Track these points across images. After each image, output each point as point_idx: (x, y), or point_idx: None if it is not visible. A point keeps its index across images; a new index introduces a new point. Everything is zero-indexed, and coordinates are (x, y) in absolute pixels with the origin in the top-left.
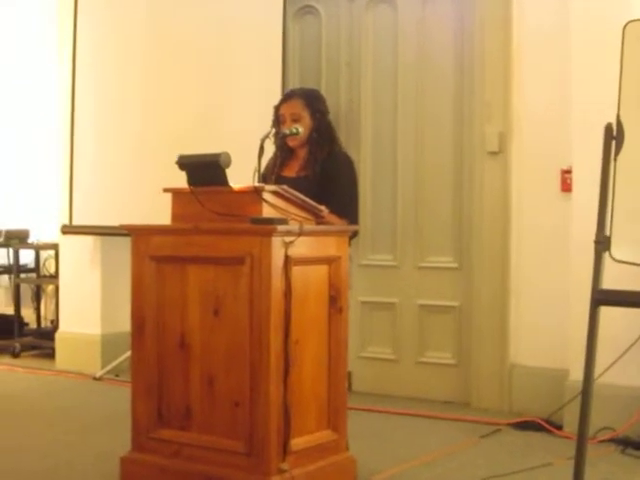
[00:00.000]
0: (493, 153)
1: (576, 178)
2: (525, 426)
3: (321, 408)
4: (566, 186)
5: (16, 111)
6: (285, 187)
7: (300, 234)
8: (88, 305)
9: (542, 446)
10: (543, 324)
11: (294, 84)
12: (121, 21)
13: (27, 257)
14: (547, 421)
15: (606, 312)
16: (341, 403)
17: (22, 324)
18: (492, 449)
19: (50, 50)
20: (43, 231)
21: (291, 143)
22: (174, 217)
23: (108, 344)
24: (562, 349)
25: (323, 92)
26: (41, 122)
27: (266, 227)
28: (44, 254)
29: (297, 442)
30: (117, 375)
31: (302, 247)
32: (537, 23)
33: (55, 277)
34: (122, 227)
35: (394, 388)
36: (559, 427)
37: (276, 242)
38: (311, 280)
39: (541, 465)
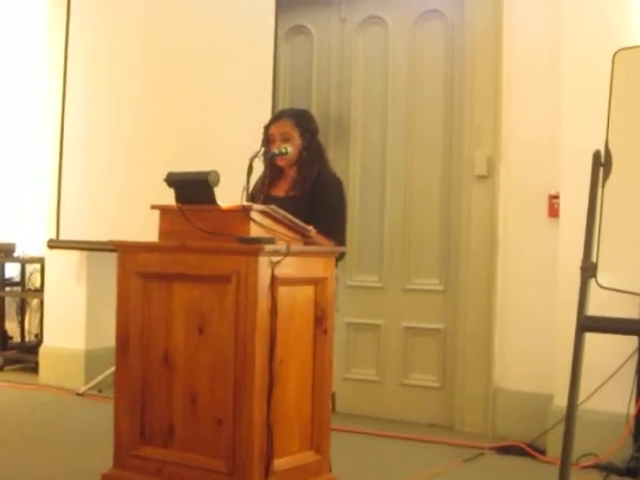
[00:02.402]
0: (481, 177)
1: (563, 204)
2: (508, 450)
3: (305, 428)
4: (553, 211)
5: (3, 123)
6: (273, 207)
7: (287, 254)
8: (73, 320)
9: (525, 471)
10: (528, 349)
11: (284, 104)
12: (115, 36)
13: (12, 270)
14: (530, 446)
15: (591, 338)
16: (325, 424)
17: (6, 338)
18: (475, 473)
19: (40, 59)
20: (29, 245)
21: (280, 163)
22: (162, 234)
23: (92, 359)
24: (547, 374)
25: (313, 112)
26: (29, 134)
27: (253, 246)
28: (30, 268)
29: (280, 462)
30: (100, 391)
31: (289, 267)
32: (528, 49)
33: (40, 291)
34: (109, 243)
35: (378, 410)
36: (542, 452)
37: (263, 262)
38: (297, 300)
39: None
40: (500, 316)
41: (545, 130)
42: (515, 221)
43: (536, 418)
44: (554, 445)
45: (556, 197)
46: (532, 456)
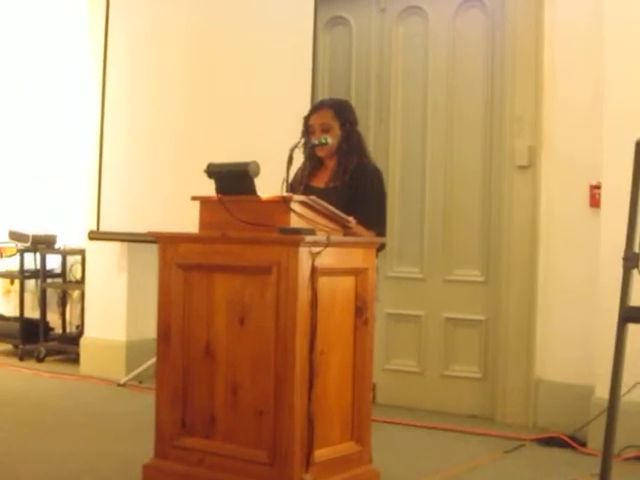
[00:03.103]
0: (522, 167)
1: (605, 194)
2: (549, 442)
3: (345, 419)
4: (595, 202)
5: (45, 116)
6: (313, 197)
7: (327, 245)
8: (113, 311)
9: (566, 462)
10: (570, 340)
11: (324, 94)
12: (156, 26)
13: (54, 262)
14: (572, 437)
15: (634, 329)
16: (365, 415)
17: (48, 329)
18: (516, 464)
19: (81, 55)
20: (70, 237)
21: (320, 153)
22: (202, 225)
23: (133, 350)
24: (588, 365)
25: (353, 103)
26: (70, 127)
27: (293, 237)
28: (71, 259)
29: (321, 453)
30: (141, 382)
31: (329, 258)
32: (569, 38)
33: (81, 282)
34: (150, 234)
35: (419, 401)
36: (583, 444)
37: (303, 252)
38: (338, 291)
39: None
40: (541, 307)
41: (586, 119)
42: (556, 211)
43: (577, 409)
44: (595, 437)
45: (597, 187)
46: (573, 448)
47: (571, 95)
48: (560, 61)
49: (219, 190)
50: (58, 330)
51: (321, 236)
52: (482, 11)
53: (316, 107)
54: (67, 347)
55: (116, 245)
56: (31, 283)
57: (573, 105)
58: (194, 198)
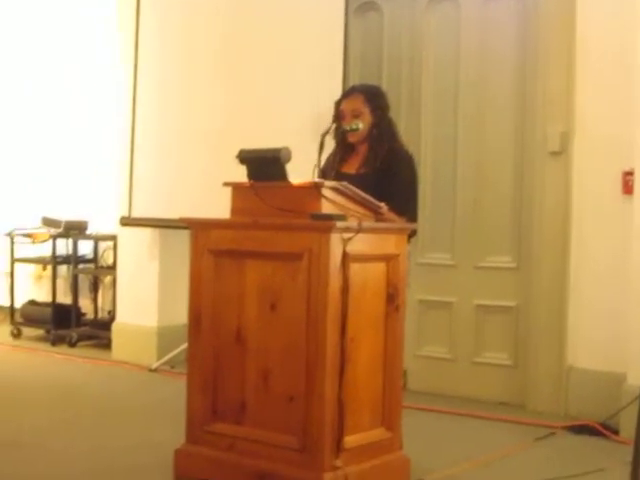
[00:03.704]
0: (555, 153)
1: (638, 180)
2: (581, 430)
3: (376, 406)
4: (628, 188)
5: (77, 103)
6: (345, 183)
7: (359, 231)
8: (145, 297)
9: (598, 450)
10: (602, 327)
11: (355, 80)
12: (186, 13)
13: (86, 248)
14: (603, 425)
15: None
16: (396, 401)
17: (79, 314)
18: (547, 452)
19: (112, 41)
20: (102, 222)
21: (351, 139)
22: (233, 211)
23: (164, 336)
24: (620, 352)
25: (384, 88)
26: (102, 113)
27: (325, 223)
28: (102, 245)
29: (351, 439)
30: (172, 367)
31: (361, 244)
32: (602, 23)
33: (113, 268)
34: (181, 220)
35: (449, 388)
36: (616, 432)
37: (335, 238)
38: (369, 277)
39: (596, 470)
40: (573, 294)
41: (619, 105)
42: (589, 198)
43: (609, 397)
44: (627, 425)
45: (631, 174)
46: (605, 436)
47: (604, 80)
48: (593, 46)
49: (251, 176)
50: (90, 315)
51: (352, 222)
52: None
53: (347, 92)
54: (99, 332)
55: (148, 231)
56: (63, 269)
57: (606, 91)
58: (226, 184)
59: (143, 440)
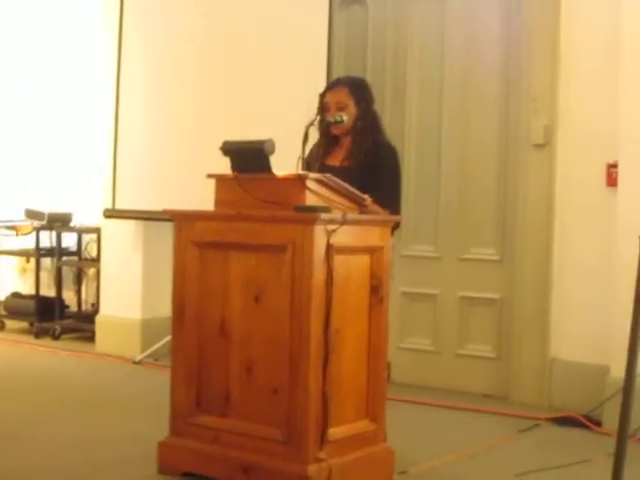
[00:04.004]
0: (538, 146)
1: (622, 173)
2: (564, 421)
3: (360, 398)
4: (612, 180)
5: (61, 95)
6: (329, 175)
7: (343, 223)
8: (129, 289)
9: (581, 442)
10: (585, 319)
11: (339, 72)
12: (171, 5)
13: (69, 240)
14: (587, 417)
15: None
16: (380, 393)
17: (63, 306)
18: (530, 444)
19: (96, 32)
20: (86, 215)
21: (335, 131)
22: (217, 203)
23: (148, 328)
24: (603, 345)
25: (368, 81)
26: (85, 105)
27: (309, 215)
28: (86, 237)
29: (335, 431)
30: (156, 359)
31: (345, 236)
32: (586, 16)
33: (97, 260)
34: (165, 212)
35: (433, 380)
36: (599, 423)
37: (319, 230)
38: (353, 269)
39: (580, 461)
40: (557, 286)
41: (603, 98)
42: (572, 191)
43: (593, 389)
44: (611, 417)
45: (614, 166)
46: (588, 427)
47: (588, 74)
48: (577, 40)
49: (235, 168)
50: (74, 308)
51: (337, 214)
52: None
53: (332, 85)
54: (82, 325)
55: (132, 223)
56: (47, 261)
57: (589, 84)
58: (209, 176)
59: (127, 432)
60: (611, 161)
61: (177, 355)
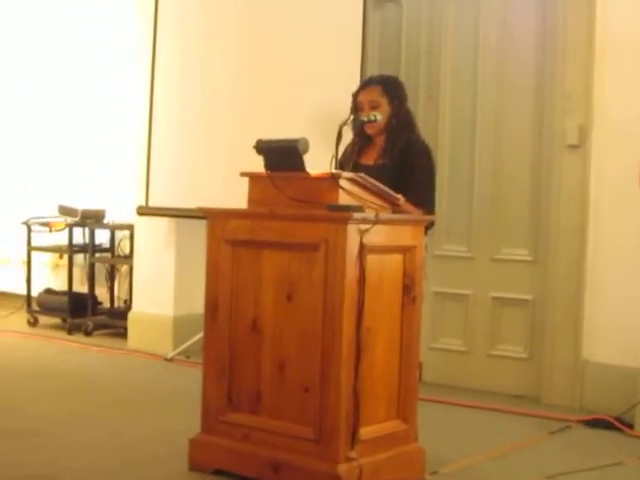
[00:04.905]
0: (573, 146)
1: None
2: (596, 424)
3: (391, 397)
4: None
5: (95, 91)
6: (362, 175)
7: (376, 222)
8: (161, 286)
9: (613, 445)
10: (618, 321)
11: (373, 71)
12: (206, 6)
13: (102, 237)
14: (618, 419)
15: None
16: (412, 393)
17: (96, 303)
18: (561, 446)
19: (131, 27)
20: (119, 211)
21: (369, 130)
22: (250, 201)
23: (180, 325)
24: (636, 347)
25: (402, 79)
26: (120, 102)
27: (342, 214)
28: (119, 234)
29: (366, 431)
30: (188, 357)
31: (378, 235)
32: (621, 16)
33: (129, 257)
34: (199, 210)
35: (464, 380)
36: (630, 426)
37: (352, 229)
38: (386, 269)
39: (611, 464)
40: (590, 287)
41: (637, 98)
42: (606, 191)
43: (625, 391)
44: None
45: None
46: (620, 430)
47: (623, 74)
48: (612, 39)
49: (268, 166)
50: (106, 304)
51: (370, 213)
52: None
53: (365, 84)
54: (115, 321)
55: (164, 220)
56: (80, 258)
57: (624, 83)
58: (243, 174)
59: (158, 429)
60: None
61: (209, 352)
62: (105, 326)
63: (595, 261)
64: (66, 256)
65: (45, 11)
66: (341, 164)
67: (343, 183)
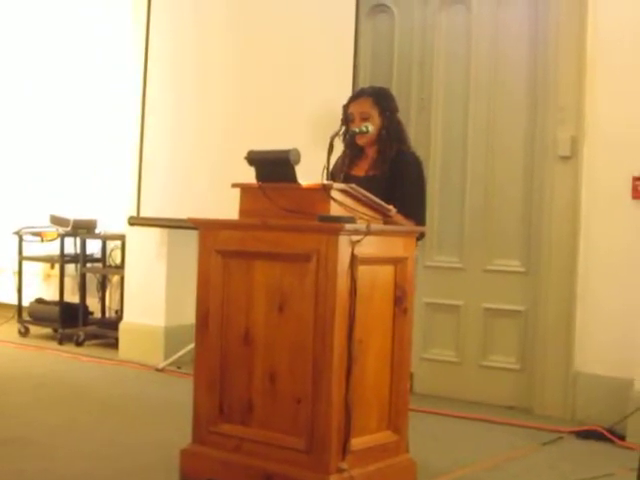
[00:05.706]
0: (565, 158)
1: None
2: (587, 435)
3: (382, 408)
4: (637, 193)
5: (87, 101)
6: (354, 186)
7: (367, 233)
8: (153, 296)
9: (604, 455)
10: (609, 333)
11: (365, 81)
12: (199, 11)
13: (94, 247)
14: (610, 431)
15: None
16: (403, 404)
17: (87, 313)
18: (554, 457)
19: (123, 37)
20: (110, 222)
21: (360, 141)
22: (242, 212)
23: (171, 336)
24: (628, 358)
25: (394, 91)
26: (112, 112)
27: (333, 225)
28: (111, 244)
29: (357, 442)
30: (179, 367)
31: (369, 246)
32: (612, 29)
33: (121, 268)
34: (190, 221)
35: (456, 391)
36: (622, 437)
37: (343, 241)
38: (377, 280)
39: (603, 475)
40: (581, 299)
41: (630, 110)
42: (598, 203)
43: (616, 403)
44: (634, 430)
45: None
46: (611, 441)
47: (615, 85)
48: (604, 51)
49: (259, 177)
50: (97, 315)
51: (361, 225)
52: (526, 1)
53: (355, 95)
54: (106, 332)
55: (156, 231)
56: (71, 268)
57: (617, 96)
58: (234, 185)
59: (149, 439)
60: (637, 174)
61: (200, 362)
62: (96, 336)
63: (587, 272)
64: (57, 266)
65: (39, 26)
66: (332, 175)
67: (334, 194)
